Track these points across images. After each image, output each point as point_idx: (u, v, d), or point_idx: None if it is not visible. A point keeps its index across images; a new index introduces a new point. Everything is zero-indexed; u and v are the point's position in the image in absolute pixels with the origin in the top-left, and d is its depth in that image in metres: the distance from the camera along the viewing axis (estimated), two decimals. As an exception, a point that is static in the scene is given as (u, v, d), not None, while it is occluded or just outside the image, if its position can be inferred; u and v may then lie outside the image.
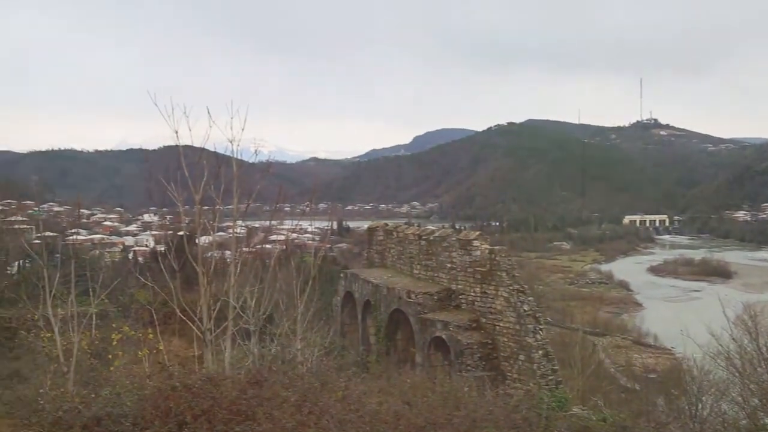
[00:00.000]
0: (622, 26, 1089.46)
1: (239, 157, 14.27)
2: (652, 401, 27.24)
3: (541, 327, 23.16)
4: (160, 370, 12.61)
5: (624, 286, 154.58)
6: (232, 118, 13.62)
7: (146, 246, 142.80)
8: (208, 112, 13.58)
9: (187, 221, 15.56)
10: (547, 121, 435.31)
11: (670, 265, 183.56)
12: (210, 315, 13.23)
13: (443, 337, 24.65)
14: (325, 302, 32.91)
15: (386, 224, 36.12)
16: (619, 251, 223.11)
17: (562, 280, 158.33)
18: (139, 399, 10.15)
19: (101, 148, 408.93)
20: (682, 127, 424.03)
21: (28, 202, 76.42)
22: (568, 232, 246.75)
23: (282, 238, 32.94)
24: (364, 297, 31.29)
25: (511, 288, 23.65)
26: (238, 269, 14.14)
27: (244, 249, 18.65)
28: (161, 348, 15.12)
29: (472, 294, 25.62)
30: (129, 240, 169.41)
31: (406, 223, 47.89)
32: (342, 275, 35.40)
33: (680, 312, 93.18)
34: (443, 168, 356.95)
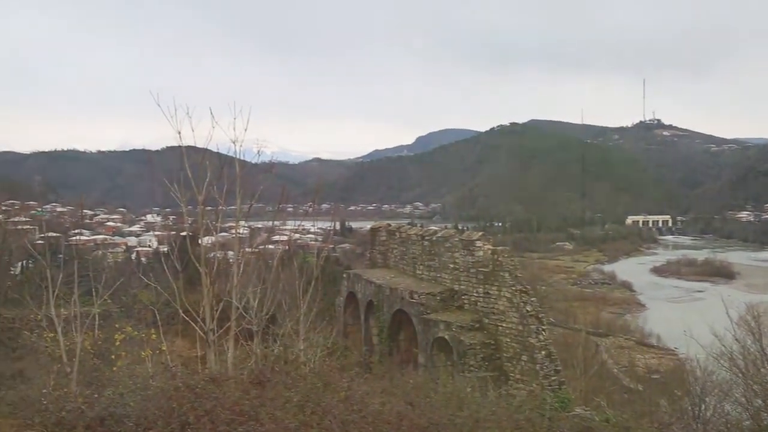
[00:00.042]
0: (624, 26, 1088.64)
1: (242, 158, 14.30)
2: (655, 402, 27.23)
3: (543, 327, 23.12)
4: (163, 370, 12.64)
5: (627, 286, 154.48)
6: (234, 118, 13.65)
7: (149, 246, 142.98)
8: (211, 113, 13.60)
9: (190, 222, 15.58)
10: (550, 121, 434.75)
11: (673, 265, 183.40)
12: (213, 315, 13.25)
13: (446, 337, 24.63)
14: (328, 303, 32.92)
15: (389, 225, 36.09)
16: (621, 252, 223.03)
17: (565, 280, 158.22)
18: (142, 399, 10.16)
19: (104, 148, 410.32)
20: (685, 127, 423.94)
21: (31, 202, 76.63)
22: (571, 233, 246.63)
23: (285, 238, 32.98)
24: (366, 297, 31.27)
25: (513, 288, 23.61)
26: (241, 270, 14.15)
27: (247, 249, 18.67)
28: (164, 348, 15.14)
29: (474, 294, 25.59)
30: (132, 240, 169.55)
31: (408, 224, 47.94)
32: (345, 275, 35.36)
33: (683, 313, 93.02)
34: (446, 168, 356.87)
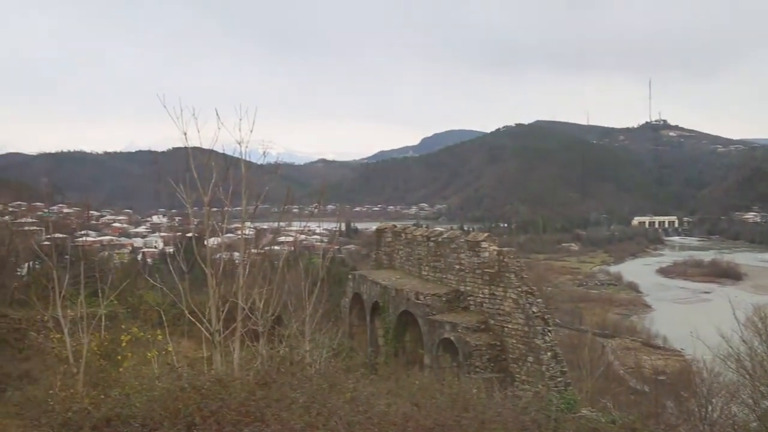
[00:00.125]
0: (630, 26, 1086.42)
1: (248, 159, 14.30)
2: (661, 403, 27.15)
3: (549, 329, 23.09)
4: (169, 371, 12.65)
5: (633, 287, 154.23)
6: (240, 119, 13.65)
7: (155, 247, 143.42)
8: (217, 114, 13.61)
9: (195, 223, 15.60)
10: (555, 122, 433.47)
11: (680, 266, 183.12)
12: (219, 316, 13.25)
13: (452, 338, 24.62)
14: (334, 304, 32.92)
15: (395, 226, 36.11)
16: (628, 253, 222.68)
17: (571, 281, 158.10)
18: (148, 400, 10.17)
19: (110, 149, 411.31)
20: (691, 127, 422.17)
21: (37, 203, 76.71)
22: (577, 234, 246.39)
23: (290, 239, 33.02)
24: (372, 298, 31.28)
25: (519, 290, 23.59)
26: (247, 271, 14.16)
27: (253, 250, 18.68)
28: (170, 349, 15.15)
29: (480, 296, 25.57)
30: (138, 241, 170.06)
31: (414, 225, 47.90)
32: (350, 277, 35.39)
33: (690, 314, 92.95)
34: (451, 169, 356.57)
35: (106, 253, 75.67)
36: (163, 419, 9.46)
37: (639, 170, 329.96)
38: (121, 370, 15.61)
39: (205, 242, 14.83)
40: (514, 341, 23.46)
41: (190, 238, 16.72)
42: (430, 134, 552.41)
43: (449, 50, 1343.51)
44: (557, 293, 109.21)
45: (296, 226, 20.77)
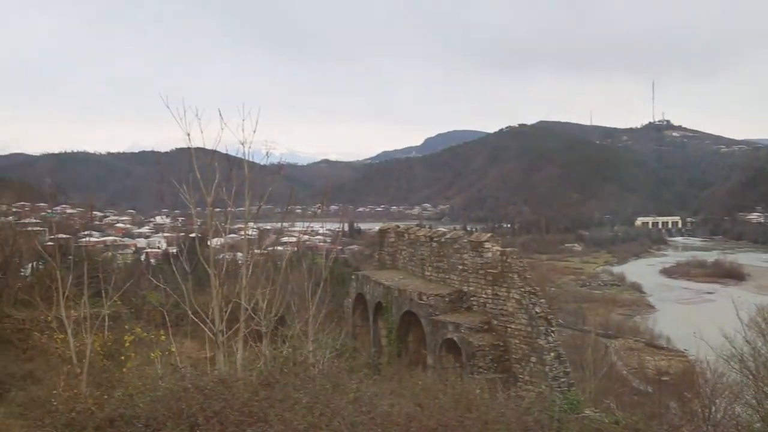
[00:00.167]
0: (633, 27, 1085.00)
1: (251, 160, 14.32)
2: (665, 404, 27.16)
3: (553, 329, 23.06)
4: (173, 371, 12.66)
5: (636, 288, 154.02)
6: (243, 120, 13.68)
7: (158, 248, 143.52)
8: (220, 115, 13.64)
9: (199, 223, 15.62)
10: (559, 122, 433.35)
11: (683, 267, 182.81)
12: (222, 317, 13.28)
13: (455, 339, 24.60)
14: (337, 304, 32.93)
15: (397, 226, 36.09)
16: (631, 253, 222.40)
17: (574, 282, 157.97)
18: (151, 400, 10.19)
19: (113, 150, 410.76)
20: (694, 128, 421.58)
21: (41, 204, 76.80)
22: (580, 234, 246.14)
23: (293, 240, 33.02)
24: (375, 299, 31.27)
25: (522, 290, 23.57)
26: (250, 271, 14.17)
27: (256, 251, 18.70)
28: (173, 349, 15.18)
29: (483, 296, 25.55)
30: (141, 242, 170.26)
31: (417, 225, 47.87)
32: (353, 277, 35.36)
33: (693, 314, 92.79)
34: (454, 170, 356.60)
35: (110, 253, 75.82)
36: (167, 419, 9.47)
37: (642, 170, 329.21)
38: (124, 370, 15.65)
39: (209, 243, 14.86)
40: (517, 342, 23.44)
41: (194, 238, 16.74)
42: (433, 134, 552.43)
43: (452, 50, 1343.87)
44: (560, 294, 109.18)
45: (299, 226, 20.80)
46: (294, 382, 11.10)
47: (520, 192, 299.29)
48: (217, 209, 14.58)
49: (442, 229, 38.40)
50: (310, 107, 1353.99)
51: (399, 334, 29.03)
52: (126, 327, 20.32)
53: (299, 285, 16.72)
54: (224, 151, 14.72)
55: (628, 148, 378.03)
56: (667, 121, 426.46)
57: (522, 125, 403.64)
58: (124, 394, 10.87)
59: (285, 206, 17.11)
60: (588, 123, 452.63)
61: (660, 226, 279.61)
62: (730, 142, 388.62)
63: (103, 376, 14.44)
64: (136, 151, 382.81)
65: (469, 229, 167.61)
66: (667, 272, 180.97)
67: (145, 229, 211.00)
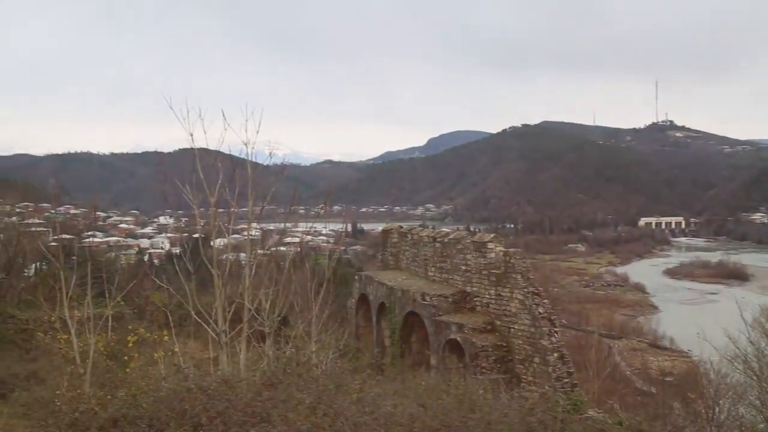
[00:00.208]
0: (637, 27, 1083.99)
1: (254, 160, 14.33)
2: (668, 404, 27.08)
3: (556, 329, 23.05)
4: (176, 372, 12.67)
5: (640, 288, 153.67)
6: (246, 120, 13.69)
7: (161, 248, 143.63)
8: (223, 115, 13.65)
9: (202, 224, 15.63)
10: (562, 122, 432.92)
11: (687, 267, 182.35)
12: (225, 317, 13.28)
13: (458, 339, 24.59)
14: (340, 305, 32.93)
15: (401, 226, 36.10)
16: (634, 254, 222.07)
17: (578, 282, 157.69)
18: (154, 401, 10.19)
19: (117, 150, 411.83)
20: (698, 128, 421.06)
21: (45, 204, 76.96)
22: (584, 235, 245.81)
23: (296, 240, 33.05)
24: (378, 299, 31.27)
25: (525, 290, 23.56)
26: (253, 272, 14.18)
27: (259, 251, 18.70)
28: (176, 350, 15.18)
29: (486, 296, 25.55)
30: (144, 242, 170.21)
31: (420, 226, 47.81)
32: (356, 277, 35.37)
33: (697, 315, 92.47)
34: (458, 170, 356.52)
35: (113, 254, 75.82)
36: (170, 420, 9.47)
37: (646, 171, 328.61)
38: (127, 370, 15.65)
39: (212, 243, 14.87)
40: (521, 342, 23.43)
41: (197, 239, 16.74)
42: (436, 135, 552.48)
43: (456, 51, 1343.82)
44: (564, 294, 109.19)
45: (302, 226, 20.82)
46: (297, 383, 11.10)
47: (524, 192, 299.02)
48: (221, 210, 14.59)
49: (445, 229, 38.44)
50: (312, 108, 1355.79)
51: (402, 335, 29.03)
52: (129, 327, 20.32)
53: (302, 285, 16.71)
54: (227, 152, 14.74)
55: (631, 149, 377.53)
56: (671, 122, 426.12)
57: (525, 125, 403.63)
58: (127, 395, 10.86)
59: (288, 207, 17.13)
60: (591, 123, 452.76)
61: (663, 226, 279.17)
62: (734, 142, 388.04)
63: (106, 376, 14.44)
64: (140, 152, 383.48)
65: (472, 229, 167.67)
66: (671, 273, 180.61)
67: (148, 230, 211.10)
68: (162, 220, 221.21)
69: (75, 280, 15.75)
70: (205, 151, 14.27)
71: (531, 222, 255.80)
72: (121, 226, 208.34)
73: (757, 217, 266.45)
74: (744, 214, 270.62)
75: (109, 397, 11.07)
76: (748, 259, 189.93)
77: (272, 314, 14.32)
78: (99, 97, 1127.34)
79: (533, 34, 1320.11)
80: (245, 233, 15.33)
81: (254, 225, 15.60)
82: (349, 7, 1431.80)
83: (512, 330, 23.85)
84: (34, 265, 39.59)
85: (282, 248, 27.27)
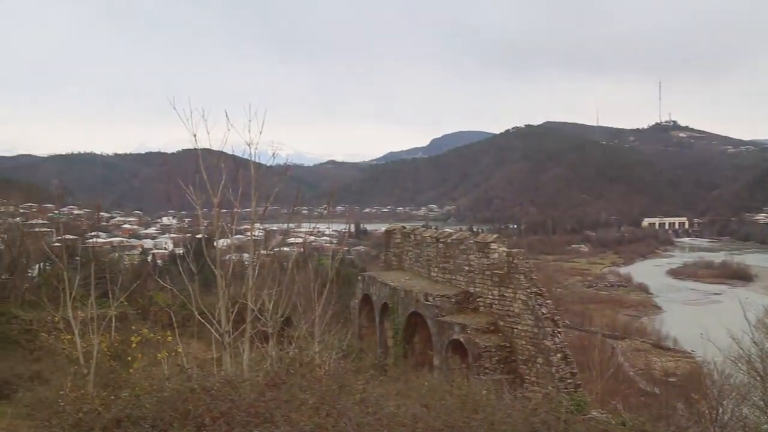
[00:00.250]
0: (637, 27, 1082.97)
1: (257, 161, 14.34)
2: (672, 405, 27.05)
3: (559, 330, 23.04)
4: (179, 372, 12.67)
5: (643, 289, 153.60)
6: (250, 121, 13.69)
7: (165, 249, 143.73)
8: (227, 116, 13.66)
9: (205, 224, 15.64)
10: (565, 123, 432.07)
11: (690, 268, 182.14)
12: (228, 318, 13.28)
13: (461, 340, 24.59)
14: (343, 305, 32.95)
15: (403, 227, 36.11)
16: (638, 254, 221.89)
17: (581, 282, 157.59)
18: (158, 401, 10.19)
19: (120, 151, 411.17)
20: (701, 128, 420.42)
21: (48, 205, 77.11)
22: (587, 235, 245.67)
23: (300, 240, 33.08)
24: (381, 300, 31.28)
25: (529, 291, 23.55)
26: (256, 272, 14.18)
27: (262, 252, 18.72)
28: (180, 350, 15.19)
29: (489, 297, 25.54)
30: (148, 243, 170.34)
31: (423, 226, 47.84)
32: (359, 278, 35.39)
33: (700, 315, 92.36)
34: (461, 170, 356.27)
35: (117, 254, 75.96)
36: (173, 420, 9.48)
37: (649, 171, 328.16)
38: (131, 371, 15.65)
39: (215, 243, 14.88)
40: (524, 342, 23.42)
41: (200, 239, 16.75)
42: (439, 135, 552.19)
43: (458, 51, 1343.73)
44: (567, 294, 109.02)
45: (305, 227, 20.81)
46: (300, 383, 11.11)
47: (527, 193, 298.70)
48: (224, 210, 14.60)
49: (448, 230, 38.44)
50: (315, 108, 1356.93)
51: (405, 335, 29.03)
52: (133, 328, 20.35)
53: (305, 286, 16.71)
54: (231, 152, 14.75)
55: (634, 149, 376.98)
56: (674, 122, 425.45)
57: (528, 126, 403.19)
58: (131, 395, 10.87)
59: (291, 207, 17.13)
60: (594, 123, 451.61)
61: (667, 226, 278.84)
62: (738, 142, 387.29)
63: (110, 376, 14.45)
64: (143, 152, 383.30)
65: (475, 230, 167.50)
66: (674, 273, 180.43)
67: (151, 230, 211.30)
68: (165, 220, 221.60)
69: (78, 280, 15.78)
70: (208, 152, 14.27)
71: (534, 222, 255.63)
72: (125, 226, 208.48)
73: (761, 217, 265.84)
74: (747, 214, 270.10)
75: (112, 397, 11.08)
76: (752, 259, 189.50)
77: (275, 315, 14.32)
78: (99, 97, 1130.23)
79: (535, 34, 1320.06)
80: (248, 234, 15.33)
81: (257, 225, 15.60)
82: (351, 8, 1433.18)
83: (515, 330, 23.85)
84: (37, 266, 39.65)
85: (285, 249, 27.30)
